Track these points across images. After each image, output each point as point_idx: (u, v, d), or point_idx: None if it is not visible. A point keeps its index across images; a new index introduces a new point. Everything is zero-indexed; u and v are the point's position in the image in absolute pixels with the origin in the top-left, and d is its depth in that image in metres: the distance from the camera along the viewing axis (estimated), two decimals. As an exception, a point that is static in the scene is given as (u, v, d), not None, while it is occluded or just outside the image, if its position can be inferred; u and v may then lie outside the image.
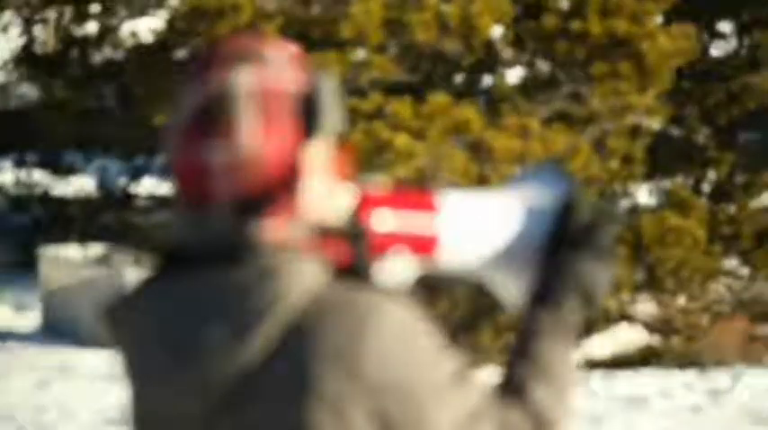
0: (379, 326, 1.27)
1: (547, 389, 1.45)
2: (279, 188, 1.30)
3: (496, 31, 11.41)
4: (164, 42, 11.06)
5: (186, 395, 1.32)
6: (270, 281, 1.27)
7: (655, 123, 11.66)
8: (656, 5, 11.24)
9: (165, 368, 1.34)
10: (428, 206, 1.56)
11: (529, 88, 11.62)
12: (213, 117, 1.29)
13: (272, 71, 1.30)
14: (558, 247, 1.54)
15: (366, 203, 1.49)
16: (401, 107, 10.44)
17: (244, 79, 1.29)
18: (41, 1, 11.45)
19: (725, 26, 12.63)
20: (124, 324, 1.41)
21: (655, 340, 11.60)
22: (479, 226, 1.58)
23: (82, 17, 11.14)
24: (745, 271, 12.21)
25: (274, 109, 1.30)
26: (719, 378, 10.04)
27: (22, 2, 11.42)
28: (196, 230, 1.34)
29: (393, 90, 10.82)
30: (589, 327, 11.13)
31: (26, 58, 11.93)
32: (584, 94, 11.11)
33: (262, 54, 1.32)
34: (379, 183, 1.78)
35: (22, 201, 14.00)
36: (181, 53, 11.19)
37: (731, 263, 12.19)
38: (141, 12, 11.67)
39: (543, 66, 11.74)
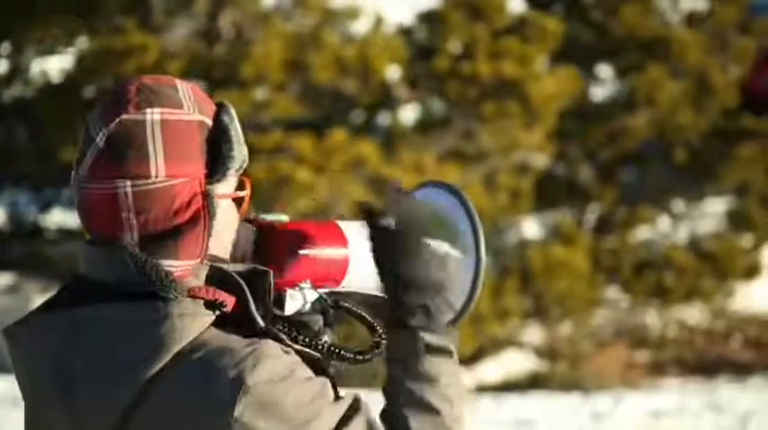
0: (259, 377, 1.22)
1: (420, 418, 1.36)
2: (187, 223, 1.28)
3: (392, 72, 11.78)
4: (73, 80, 11.07)
5: (65, 427, 1.31)
6: (159, 326, 1.24)
7: (541, 161, 12.02)
8: (540, 48, 11.74)
9: (50, 397, 1.32)
10: (335, 238, 1.51)
11: (423, 126, 12.01)
12: (120, 152, 1.27)
13: (177, 108, 1.29)
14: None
15: (274, 239, 1.47)
16: (302, 143, 10.72)
17: (150, 116, 1.28)
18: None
19: (604, 70, 13.05)
20: (18, 348, 1.38)
21: (541, 365, 11.90)
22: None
23: None
24: (625, 300, 12.61)
25: (180, 144, 1.28)
26: (602, 401, 10.37)
27: None
28: (100, 263, 1.31)
29: (294, 127, 11.07)
30: (479, 353, 11.55)
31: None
32: (474, 132, 11.54)
33: (167, 92, 1.31)
34: (282, 219, 1.72)
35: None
36: (89, 91, 11.18)
37: (612, 292, 12.56)
38: (51, 51, 11.70)
39: (437, 105, 12.16)
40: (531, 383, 11.33)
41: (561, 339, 12.13)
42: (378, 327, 1.48)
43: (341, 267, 1.52)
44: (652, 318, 12.50)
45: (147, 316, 1.26)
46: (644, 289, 12.25)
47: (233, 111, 1.36)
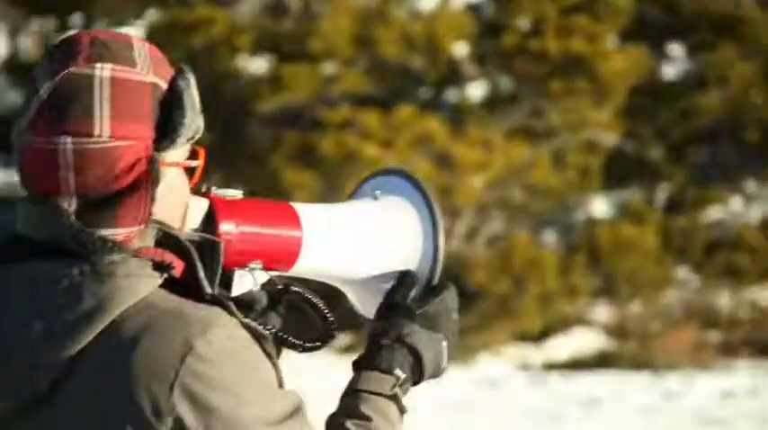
0: (208, 345, 1.18)
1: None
2: (129, 188, 1.21)
3: (460, 48, 11.78)
4: None
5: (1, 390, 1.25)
6: (102, 284, 1.19)
7: (610, 139, 11.95)
8: (609, 26, 11.66)
9: None
10: (287, 219, 1.46)
11: (491, 103, 11.98)
12: (64, 107, 1.20)
13: (129, 66, 1.21)
14: (403, 307, 1.45)
15: (223, 213, 1.39)
16: (369, 118, 10.78)
17: (99, 71, 1.20)
18: (25, 12, 11.65)
19: (675, 49, 12.89)
20: None
21: (610, 344, 11.76)
22: (337, 240, 1.50)
23: (64, 28, 11.29)
24: (696, 280, 12.42)
25: (129, 104, 1.21)
26: (672, 381, 10.31)
27: (7, 13, 11.64)
28: (37, 220, 1.26)
29: (361, 102, 11.13)
30: (547, 331, 11.50)
31: (11, 67, 12.12)
32: (543, 109, 11.52)
33: (121, 48, 1.23)
34: (235, 194, 1.64)
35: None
36: None
37: (683, 272, 12.38)
38: (121, 23, 11.87)
39: (504, 82, 12.13)
40: (600, 361, 11.22)
41: (630, 318, 11.98)
42: (330, 317, 1.47)
43: (291, 250, 1.46)
44: (723, 299, 12.31)
45: (89, 274, 1.19)
46: (715, 269, 12.07)
47: (191, 78, 1.26)
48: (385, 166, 1.68)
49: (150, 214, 1.23)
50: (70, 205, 1.20)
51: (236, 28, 11.21)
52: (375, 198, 1.54)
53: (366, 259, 1.51)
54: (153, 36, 11.39)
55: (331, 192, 10.66)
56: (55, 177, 1.20)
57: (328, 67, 11.45)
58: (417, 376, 1.42)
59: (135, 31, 11.94)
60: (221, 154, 11.07)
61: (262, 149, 11.05)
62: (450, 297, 1.46)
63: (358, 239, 1.50)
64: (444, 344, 1.45)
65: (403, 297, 1.46)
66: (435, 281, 1.49)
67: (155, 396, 1.17)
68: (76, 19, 11.95)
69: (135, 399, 1.17)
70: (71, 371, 1.19)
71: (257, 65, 11.87)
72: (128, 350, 1.17)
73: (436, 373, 1.45)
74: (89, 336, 1.18)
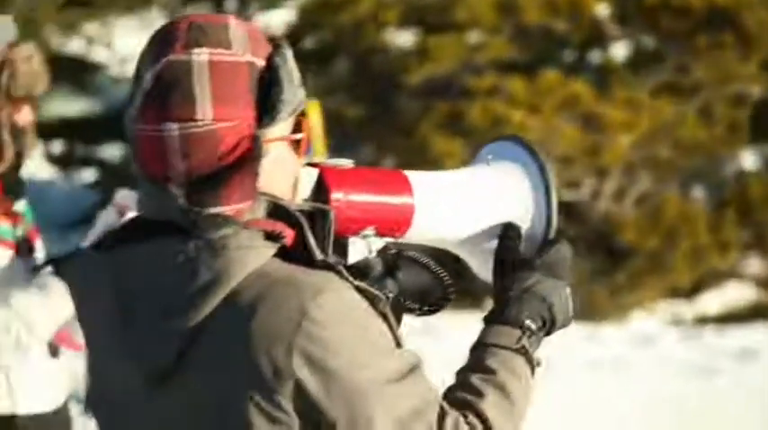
0: (320, 308, 1.21)
1: (499, 410, 1.35)
2: (234, 167, 1.26)
3: (602, 9, 11.74)
4: (295, 32, 11.52)
5: (128, 365, 1.29)
6: (217, 258, 1.23)
7: (757, 91, 11.71)
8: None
9: (111, 336, 1.31)
10: (398, 186, 1.48)
11: (636, 62, 11.90)
12: (167, 94, 1.25)
13: (225, 48, 1.27)
14: (521, 261, 1.48)
15: (332, 182, 1.43)
16: (515, 84, 10.85)
17: (196, 56, 1.25)
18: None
19: None
20: (76, 287, 1.41)
21: (763, 296, 11.68)
22: (449, 205, 1.53)
23: (218, 11, 11.57)
24: None
25: (228, 86, 1.26)
26: None
27: (165, 1, 12.09)
28: (152, 202, 1.31)
29: (507, 68, 11.19)
30: (699, 285, 11.49)
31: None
32: (688, 65, 11.38)
33: (216, 31, 1.27)
34: (345, 164, 1.78)
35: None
36: (309, 43, 11.82)
37: None
38: (273, 5, 12.24)
39: (648, 40, 12.05)
40: (753, 314, 11.12)
41: (783, 270, 11.77)
42: (446, 280, 1.49)
43: (403, 217, 1.48)
44: None
45: (203, 249, 1.24)
46: None
47: (288, 52, 1.30)
48: (499, 135, 1.73)
49: (256, 190, 1.27)
50: (180, 187, 1.25)
51: (383, 4, 11.41)
52: (487, 163, 1.58)
53: (478, 221, 1.53)
54: (303, 17, 11.75)
55: (476, 159, 10.58)
56: (165, 162, 1.26)
57: (473, 36, 11.52)
58: (549, 324, 1.45)
59: (286, 14, 12.29)
60: (371, 127, 11.35)
61: (411, 121, 11.17)
62: (565, 247, 1.49)
63: (469, 202, 1.53)
64: (568, 290, 1.48)
65: (517, 250, 1.48)
66: (551, 236, 1.52)
67: (275, 361, 1.19)
68: (231, 5, 12.32)
69: (256, 366, 1.20)
70: (194, 343, 1.23)
71: (404, 38, 12.00)
72: (245, 319, 1.21)
73: (566, 322, 1.48)
74: (208, 308, 1.22)
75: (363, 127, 11.29)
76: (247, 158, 1.26)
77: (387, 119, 11.41)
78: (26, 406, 2.98)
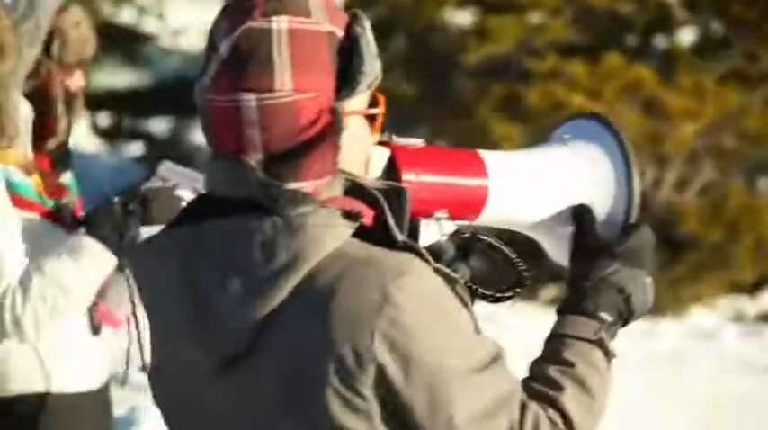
0: (402, 291, 1.18)
1: (579, 403, 1.32)
2: (314, 140, 1.22)
3: (669, -8, 11.50)
4: (349, 8, 11.34)
5: (198, 349, 1.26)
6: (294, 238, 1.19)
7: None
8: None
9: (181, 315, 1.29)
10: (472, 167, 1.43)
11: (702, 48, 11.63)
12: (244, 63, 1.22)
13: (305, 17, 1.23)
14: (600, 247, 1.43)
15: (404, 162, 1.38)
16: (576, 68, 10.63)
17: (276, 24, 1.21)
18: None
19: None
20: (144, 268, 1.38)
21: None
22: (525, 187, 1.48)
23: None
24: None
25: (308, 56, 1.22)
26: None
27: None
28: (225, 178, 1.27)
29: (568, 51, 10.97)
30: (761, 281, 11.21)
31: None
32: (756, 53, 11.09)
33: (298, 1, 1.23)
34: (416, 143, 1.71)
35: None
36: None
37: None
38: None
39: (716, 26, 11.76)
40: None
41: None
42: (520, 265, 1.48)
43: (477, 199, 1.43)
44: None
45: (280, 228, 1.20)
46: None
47: (367, 23, 1.26)
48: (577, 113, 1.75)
49: (336, 165, 1.25)
50: (257, 161, 1.22)
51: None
52: (564, 143, 1.53)
53: (555, 203, 1.48)
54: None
55: (538, 143, 10.40)
56: (240, 135, 1.22)
57: (534, 17, 11.33)
58: (627, 315, 1.41)
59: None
60: (427, 107, 11.20)
61: (468, 102, 11.02)
62: (647, 233, 1.44)
63: (546, 184, 1.48)
64: (649, 279, 1.43)
65: (595, 236, 1.43)
66: (632, 219, 1.47)
67: (356, 345, 1.16)
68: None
69: (336, 350, 1.17)
70: (270, 326, 1.20)
71: (463, 17, 11.82)
72: (325, 301, 1.18)
73: (644, 311, 1.43)
74: (286, 291, 1.19)
75: (419, 106, 11.13)
76: (328, 132, 1.23)
77: (443, 99, 11.27)
78: (61, 384, 2.81)
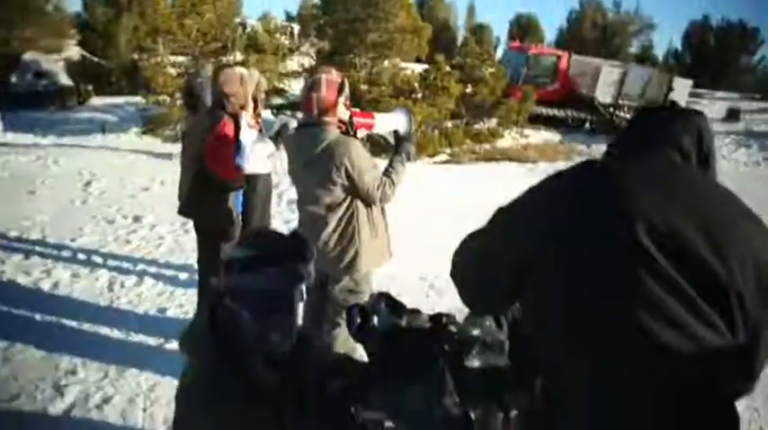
0: (352, 145, 4.52)
1: (398, 176, 4.78)
2: (332, 106, 4.57)
3: None
4: None
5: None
6: (327, 133, 4.55)
7: None
8: None
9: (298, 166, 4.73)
10: (369, 116, 4.93)
11: None
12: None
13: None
14: (402, 139, 4.98)
15: (354, 114, 4.80)
16: None
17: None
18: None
19: None
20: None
21: None
22: (383, 120, 4.99)
23: None
24: None
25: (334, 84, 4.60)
26: None
27: None
28: (303, 121, 4.73)
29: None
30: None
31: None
32: None
33: None
34: (358, 111, 5.05)
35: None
36: None
37: None
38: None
39: None
40: None
41: None
42: (399, 141, 4.97)
43: (371, 125, 4.88)
44: None
45: (325, 131, 4.70)
46: None
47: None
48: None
49: (338, 114, 4.93)
50: (316, 113, 4.54)
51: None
52: (396, 112, 5.10)
53: (395, 124, 5.00)
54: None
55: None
56: (311, 105, 4.77)
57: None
58: (412, 156, 4.97)
59: None
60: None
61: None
62: (412, 136, 5.02)
63: (390, 118, 5.03)
64: (414, 145, 5.03)
65: (407, 135, 4.97)
66: (411, 132, 4.98)
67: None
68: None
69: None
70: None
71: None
72: (336, 154, 4.73)
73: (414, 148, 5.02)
74: (324, 149, 4.70)
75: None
76: (334, 105, 4.83)
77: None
78: None
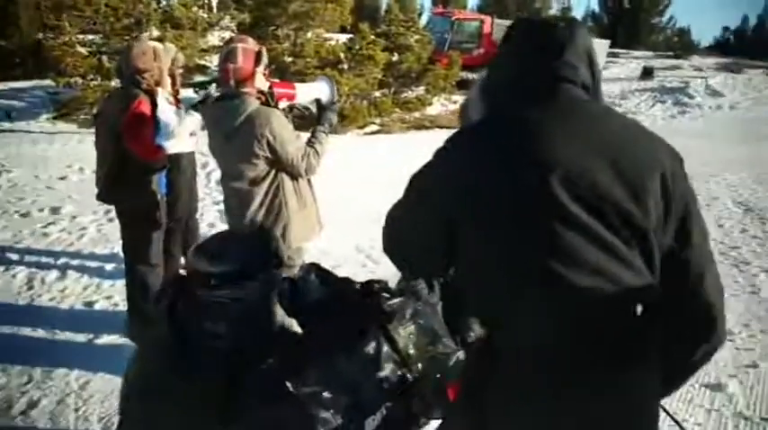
0: (273, 115, 4.39)
1: (322, 146, 4.70)
2: (249, 76, 4.45)
3: None
4: None
5: None
6: (246, 104, 4.38)
7: None
8: None
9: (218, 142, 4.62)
10: (288, 86, 4.83)
11: None
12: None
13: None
14: (325, 108, 4.95)
15: (274, 85, 4.67)
16: None
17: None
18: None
19: None
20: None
21: None
22: (308, 89, 4.96)
23: None
24: None
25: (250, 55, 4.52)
26: None
27: None
28: (220, 93, 4.57)
29: None
30: None
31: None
32: None
33: None
34: (278, 81, 4.91)
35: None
36: None
37: None
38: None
39: None
40: None
41: None
42: (322, 110, 4.97)
43: (292, 96, 4.82)
44: None
45: (242, 103, 4.56)
46: None
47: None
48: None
49: (257, 85, 4.67)
50: (233, 84, 4.64)
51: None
52: (319, 81, 5.08)
53: (317, 93, 4.97)
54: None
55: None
56: (227, 76, 4.60)
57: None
58: (334, 128, 5.09)
59: None
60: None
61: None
62: (335, 106, 5.00)
63: (313, 88, 4.99)
64: (336, 115, 5.01)
65: (329, 105, 4.95)
66: (334, 100, 4.96)
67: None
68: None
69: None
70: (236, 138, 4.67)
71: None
72: (256, 126, 4.52)
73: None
74: (243, 122, 4.56)
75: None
76: (253, 75, 4.71)
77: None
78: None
